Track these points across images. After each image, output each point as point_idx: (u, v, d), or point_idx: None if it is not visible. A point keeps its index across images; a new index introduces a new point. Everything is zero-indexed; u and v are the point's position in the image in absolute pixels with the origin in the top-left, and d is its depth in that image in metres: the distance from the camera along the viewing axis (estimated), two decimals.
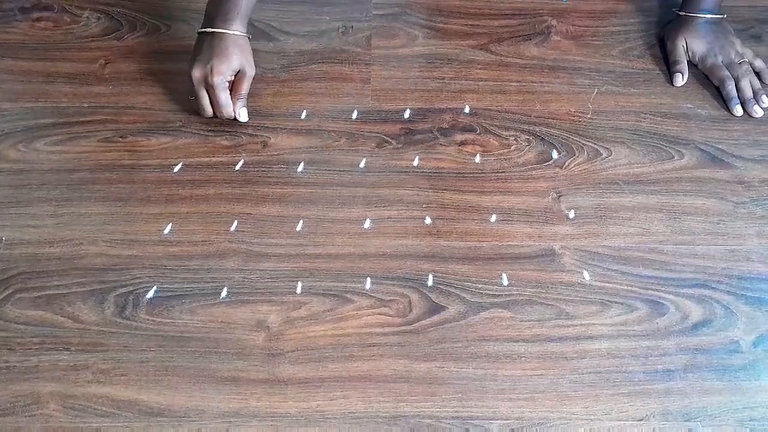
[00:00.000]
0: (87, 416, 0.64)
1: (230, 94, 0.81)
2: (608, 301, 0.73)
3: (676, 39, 0.92)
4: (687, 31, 0.92)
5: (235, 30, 0.80)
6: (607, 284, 0.74)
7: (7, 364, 0.66)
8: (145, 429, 0.63)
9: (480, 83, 0.90)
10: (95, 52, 0.91)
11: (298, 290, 0.72)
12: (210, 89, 0.79)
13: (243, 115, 0.82)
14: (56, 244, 0.74)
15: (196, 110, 0.82)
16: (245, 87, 0.82)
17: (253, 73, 0.83)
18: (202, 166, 0.81)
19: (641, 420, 0.65)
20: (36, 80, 0.88)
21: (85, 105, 0.86)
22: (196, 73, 0.79)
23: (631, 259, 0.76)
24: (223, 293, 0.71)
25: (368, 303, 0.72)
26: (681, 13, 0.93)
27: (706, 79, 0.92)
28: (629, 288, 0.74)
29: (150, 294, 0.71)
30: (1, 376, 0.65)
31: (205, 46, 0.80)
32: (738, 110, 0.88)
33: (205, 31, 0.80)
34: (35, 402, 0.64)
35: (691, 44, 0.92)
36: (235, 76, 0.82)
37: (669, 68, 0.92)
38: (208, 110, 0.81)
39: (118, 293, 0.71)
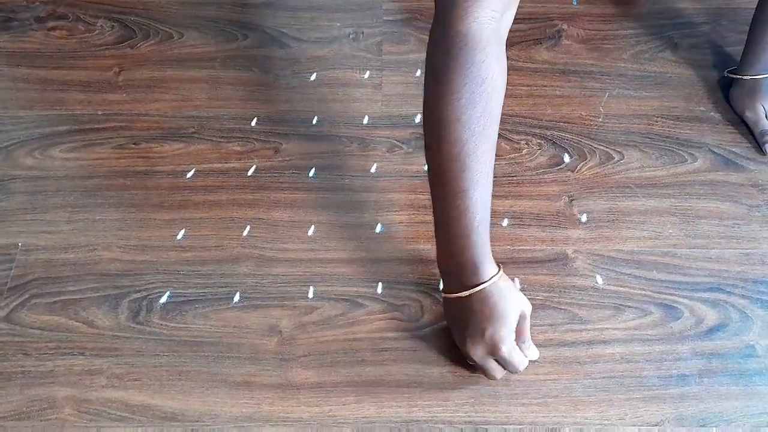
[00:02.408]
0: (101, 420, 0.64)
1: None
2: (621, 305, 0.72)
3: (755, 108, 0.86)
4: (761, 95, 0.86)
5: (491, 274, 0.62)
6: (620, 288, 0.73)
7: (23, 369, 0.67)
8: None
9: None
10: (109, 60, 0.93)
11: (310, 295, 0.72)
12: (501, 360, 0.63)
13: (534, 354, 0.66)
14: (71, 250, 0.75)
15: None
16: (527, 329, 0.64)
17: (531, 308, 0.65)
18: (214, 172, 0.82)
19: (656, 425, 0.65)
20: (51, 88, 0.90)
21: (100, 112, 0.87)
22: (478, 352, 0.63)
23: (644, 263, 0.75)
24: (236, 298, 0.72)
25: (380, 307, 0.72)
26: (747, 77, 0.87)
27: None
28: (643, 292, 0.73)
29: (163, 299, 0.71)
30: (17, 381, 0.66)
31: (467, 314, 0.63)
32: None
33: (460, 296, 0.63)
34: (50, 406, 0.65)
35: None
36: None
37: (757, 139, 0.85)
38: (500, 375, 0.65)
39: (131, 298, 0.72)
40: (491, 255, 0.63)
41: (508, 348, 0.62)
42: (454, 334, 0.66)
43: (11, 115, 0.87)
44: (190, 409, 0.65)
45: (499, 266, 0.63)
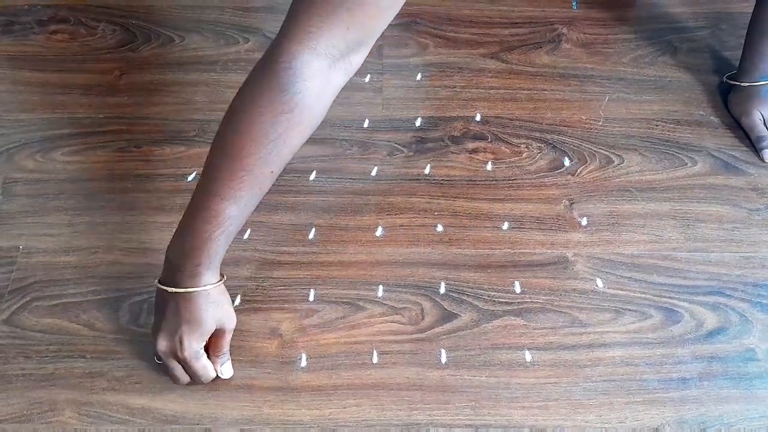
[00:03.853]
0: (102, 423, 0.64)
1: (207, 353, 0.65)
2: (622, 308, 0.72)
3: (751, 114, 0.86)
4: (758, 101, 0.86)
5: (206, 283, 0.61)
6: (621, 292, 0.74)
7: (24, 372, 0.67)
8: None
9: (491, 91, 0.91)
10: (110, 64, 0.93)
11: (311, 298, 0.72)
12: (182, 362, 0.63)
13: (227, 372, 0.66)
14: (72, 253, 0.75)
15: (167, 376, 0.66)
16: (225, 343, 0.65)
17: (233, 325, 0.65)
18: None
19: (656, 429, 0.65)
20: (52, 91, 0.90)
21: (101, 116, 0.87)
22: (162, 346, 0.63)
23: (644, 267, 0.75)
24: (237, 301, 0.72)
25: (381, 311, 0.72)
26: (744, 84, 0.87)
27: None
28: (643, 295, 0.73)
29: None
30: (18, 383, 0.66)
31: (169, 309, 0.62)
32: None
33: (166, 290, 0.62)
34: (51, 409, 0.65)
35: (766, 114, 0.86)
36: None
37: (754, 144, 0.85)
38: (184, 380, 0.65)
39: (132, 301, 0.72)
40: (218, 268, 0.63)
41: (190, 353, 0.62)
42: (154, 322, 0.65)
43: (12, 118, 0.87)
44: (190, 412, 0.65)
45: (222, 276, 0.64)
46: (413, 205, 0.80)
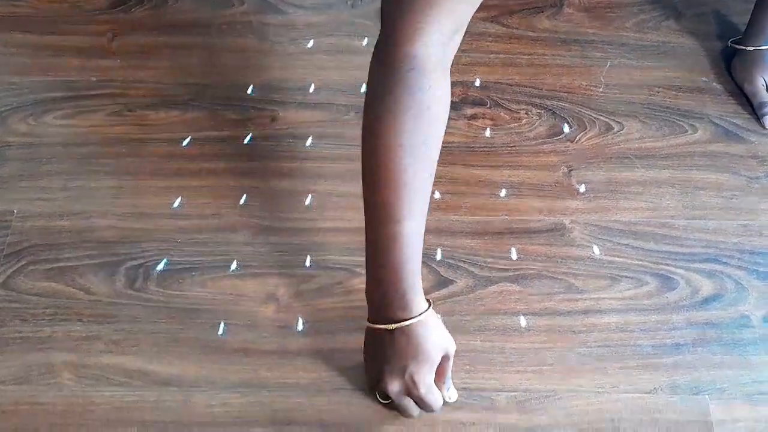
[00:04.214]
0: (100, 385, 0.65)
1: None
2: (618, 275, 0.72)
3: (754, 79, 0.85)
4: (762, 67, 0.85)
5: (420, 310, 0.58)
6: (617, 259, 0.74)
7: (21, 335, 0.67)
8: (157, 398, 0.64)
9: (491, 56, 0.89)
10: (103, 26, 0.91)
11: (308, 263, 0.72)
12: (416, 399, 0.60)
13: (454, 396, 0.64)
14: (67, 217, 0.74)
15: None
16: (449, 369, 0.62)
17: (455, 348, 0.61)
18: (210, 140, 0.81)
19: (649, 392, 0.66)
20: (44, 54, 0.88)
21: (93, 79, 0.86)
22: (394, 387, 0.59)
23: (641, 234, 0.75)
24: (233, 266, 0.72)
25: None
26: (749, 48, 0.86)
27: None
28: (639, 262, 0.73)
29: (160, 266, 0.71)
30: (15, 346, 0.66)
31: (390, 347, 0.59)
32: None
33: (385, 329, 0.59)
34: (49, 371, 0.65)
35: None
36: None
37: (756, 111, 0.85)
38: (416, 413, 0.62)
39: (128, 266, 0.71)
40: (422, 289, 0.60)
41: (426, 388, 0.59)
42: (370, 365, 0.63)
43: (4, 81, 0.85)
44: (187, 375, 0.65)
45: (429, 302, 0.60)
46: None
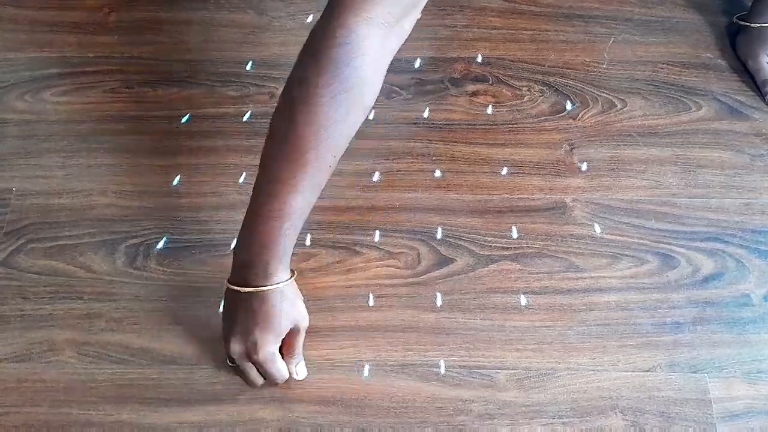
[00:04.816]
0: (102, 363, 0.65)
1: (282, 353, 0.62)
2: (619, 254, 0.72)
3: (758, 57, 0.84)
4: (765, 44, 0.84)
5: (279, 281, 0.59)
6: (618, 237, 0.73)
7: (22, 312, 0.67)
8: (158, 375, 0.65)
9: (493, 31, 0.88)
10: (99, 0, 0.89)
11: (308, 242, 0.72)
12: (256, 365, 0.61)
13: (302, 373, 0.64)
14: (66, 195, 0.74)
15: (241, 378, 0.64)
16: (299, 344, 0.63)
17: (307, 324, 0.63)
18: (209, 117, 0.80)
19: (648, 371, 0.66)
20: (40, 29, 0.87)
21: (90, 55, 0.85)
22: (235, 349, 0.60)
23: (643, 212, 0.75)
24: (233, 244, 0.71)
25: (377, 255, 0.72)
26: (754, 25, 0.84)
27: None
28: (640, 241, 0.73)
29: (160, 245, 0.71)
30: (17, 324, 0.67)
31: (241, 310, 0.60)
32: None
33: (239, 291, 0.60)
34: (51, 349, 0.65)
35: None
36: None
37: (759, 88, 0.83)
38: (258, 381, 0.63)
39: (128, 244, 0.71)
40: (289, 263, 0.60)
41: (264, 354, 0.59)
42: (224, 325, 0.62)
43: (0, 58, 0.84)
44: (188, 352, 0.66)
45: (293, 273, 0.61)
46: (411, 149, 0.79)
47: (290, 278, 0.61)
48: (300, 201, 0.57)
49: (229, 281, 0.61)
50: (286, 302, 0.60)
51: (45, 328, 0.66)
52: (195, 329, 0.67)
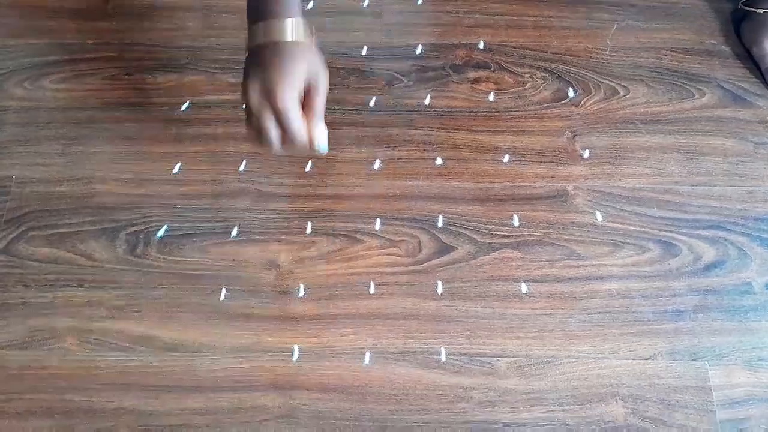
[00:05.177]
0: (103, 350, 0.65)
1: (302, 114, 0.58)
2: (620, 242, 0.72)
3: (762, 43, 0.83)
4: None
5: (293, 34, 0.59)
6: (620, 225, 0.73)
7: (24, 300, 0.67)
8: (160, 363, 0.65)
9: (495, 18, 0.87)
10: None
11: (308, 230, 0.72)
12: (276, 114, 0.57)
13: (322, 138, 0.59)
14: (66, 183, 0.74)
15: (256, 144, 0.59)
16: (319, 104, 0.59)
17: (326, 84, 0.59)
18: (209, 105, 0.80)
19: (648, 358, 0.66)
20: (39, 16, 0.86)
21: (90, 41, 0.84)
22: (254, 97, 0.57)
23: (645, 200, 0.74)
24: (234, 232, 0.72)
25: (378, 243, 0.72)
26: (760, 11, 0.83)
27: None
28: (642, 229, 0.73)
29: (161, 232, 0.71)
30: (18, 311, 0.67)
31: (258, 63, 0.58)
32: None
33: (254, 47, 0.59)
34: (52, 336, 0.66)
35: None
36: (305, 92, 0.59)
37: (763, 75, 0.83)
38: (277, 145, 0.58)
39: (129, 232, 0.71)
40: (304, 25, 0.59)
41: (283, 100, 0.56)
42: (243, 85, 0.59)
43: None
44: (189, 340, 0.66)
45: (312, 33, 0.60)
46: (412, 137, 0.78)
47: (303, 34, 0.59)
48: None
49: (247, 49, 0.60)
50: (302, 55, 0.58)
51: (46, 316, 0.67)
52: (196, 317, 0.67)
